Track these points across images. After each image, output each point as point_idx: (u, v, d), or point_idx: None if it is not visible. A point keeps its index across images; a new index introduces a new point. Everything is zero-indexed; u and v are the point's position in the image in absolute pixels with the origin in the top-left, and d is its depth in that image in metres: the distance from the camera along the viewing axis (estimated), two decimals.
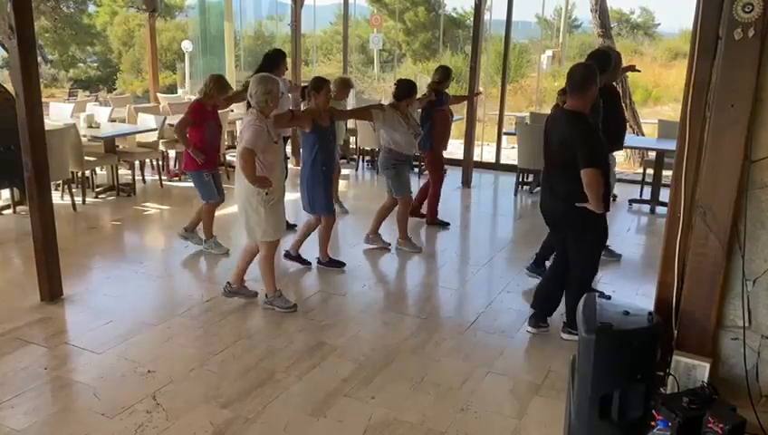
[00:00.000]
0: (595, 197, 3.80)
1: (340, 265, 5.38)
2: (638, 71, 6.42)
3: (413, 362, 3.90)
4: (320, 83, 4.95)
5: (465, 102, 8.32)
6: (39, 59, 21.76)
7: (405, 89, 5.60)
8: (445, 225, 6.72)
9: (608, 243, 5.62)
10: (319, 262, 5.39)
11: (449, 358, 3.96)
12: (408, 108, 5.68)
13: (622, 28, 30.48)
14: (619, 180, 8.54)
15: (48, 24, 24.18)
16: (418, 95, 6.00)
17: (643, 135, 11.32)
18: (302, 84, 5.98)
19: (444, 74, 6.56)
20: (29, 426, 3.18)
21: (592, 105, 4.27)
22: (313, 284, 5.07)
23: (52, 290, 4.57)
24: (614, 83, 5.37)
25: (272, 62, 6.08)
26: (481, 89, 9.10)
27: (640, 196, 7.86)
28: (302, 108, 5.46)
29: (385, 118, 5.47)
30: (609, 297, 2.89)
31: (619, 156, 10.92)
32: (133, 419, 3.24)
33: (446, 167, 7.00)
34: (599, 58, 4.85)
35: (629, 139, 9.24)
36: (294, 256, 5.41)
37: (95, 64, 27.86)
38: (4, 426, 3.17)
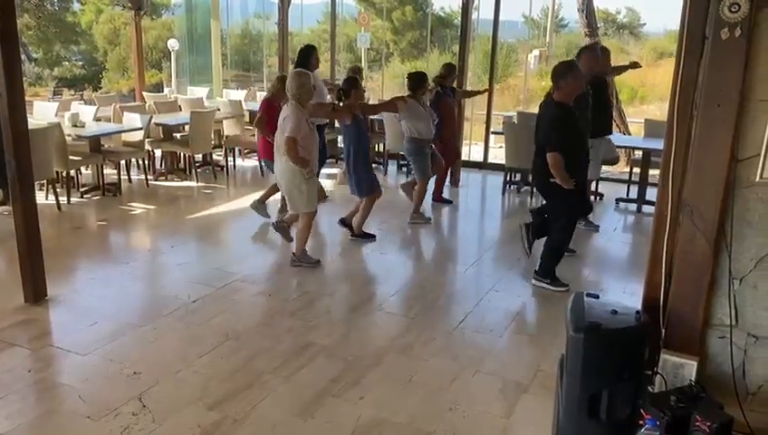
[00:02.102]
0: (559, 175, 4.63)
1: (372, 236, 6.09)
2: (640, 66, 6.90)
3: (401, 362, 3.89)
4: (352, 84, 5.69)
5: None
6: (23, 57, 21.39)
7: (418, 80, 6.39)
8: (447, 202, 7.58)
9: (590, 218, 6.49)
10: (352, 234, 6.06)
11: (438, 358, 3.95)
12: (423, 97, 6.42)
13: (608, 28, 30.62)
14: (606, 179, 8.60)
15: (32, 21, 23.91)
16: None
17: (629, 134, 11.39)
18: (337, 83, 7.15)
19: (447, 70, 7.23)
20: (12, 429, 3.13)
21: (581, 95, 4.96)
22: (302, 284, 5.04)
23: (36, 291, 4.51)
24: (604, 76, 5.95)
25: (302, 56, 6.94)
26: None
27: (627, 195, 7.90)
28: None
29: (408, 108, 6.20)
30: (597, 296, 2.89)
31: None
32: (119, 421, 3.21)
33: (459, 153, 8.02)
34: (581, 52, 5.79)
35: (616, 138, 9.31)
36: (359, 233, 6.05)
37: (80, 63, 27.58)
38: None
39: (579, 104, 4.93)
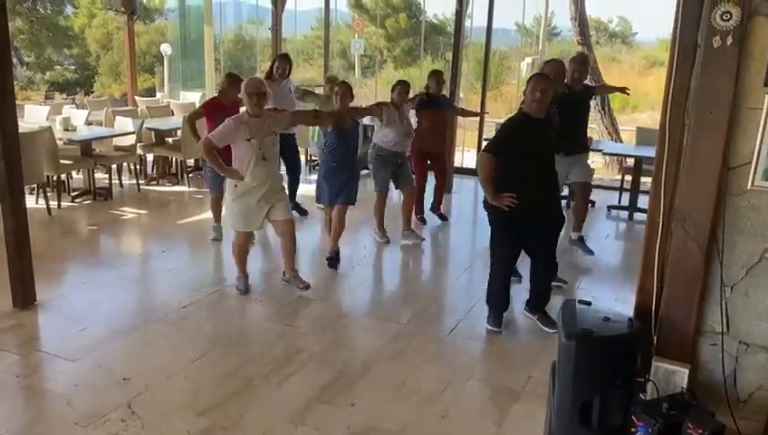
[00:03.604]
0: (481, 180, 4.13)
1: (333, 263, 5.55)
2: (627, 93, 6.39)
3: (393, 369, 3.87)
4: (343, 89, 5.36)
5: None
6: (15, 61, 21.24)
7: (393, 88, 6.06)
8: (443, 218, 7.14)
9: (586, 240, 5.99)
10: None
11: (430, 364, 3.94)
12: (403, 107, 6.03)
13: (600, 36, 30.81)
14: (598, 187, 8.61)
15: (24, 25, 23.83)
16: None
17: (621, 142, 11.44)
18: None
19: (434, 79, 6.65)
20: None
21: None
22: (292, 291, 5.00)
23: (24, 296, 4.47)
24: (566, 90, 5.31)
25: (270, 66, 6.74)
26: (487, 111, 9.21)
27: (619, 202, 7.92)
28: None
29: (389, 114, 5.85)
30: (589, 303, 2.89)
31: (597, 163, 11.08)
32: (107, 428, 3.18)
33: (428, 171, 6.97)
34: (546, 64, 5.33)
35: (608, 145, 9.35)
36: (331, 255, 5.56)
37: (72, 67, 27.47)
38: None
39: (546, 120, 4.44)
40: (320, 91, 7.93)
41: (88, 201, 7.52)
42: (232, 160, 4.60)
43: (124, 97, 10.94)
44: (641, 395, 2.87)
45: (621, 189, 8.10)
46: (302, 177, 7.30)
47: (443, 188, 7.20)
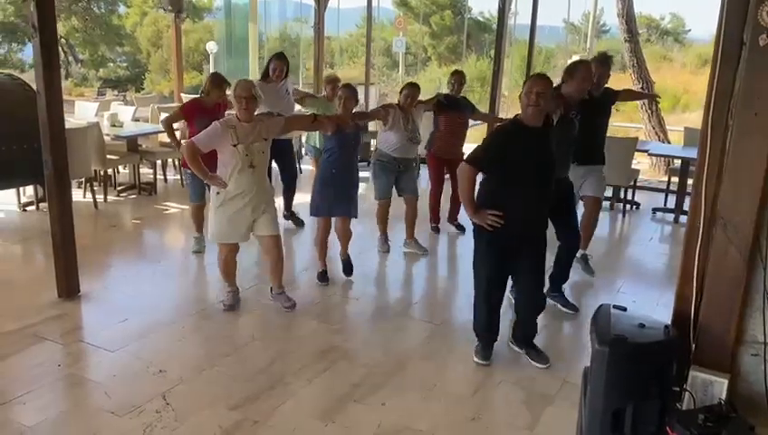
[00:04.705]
0: (462, 195, 3.65)
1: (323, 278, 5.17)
2: (658, 101, 6.00)
3: (425, 369, 3.85)
4: (347, 93, 4.91)
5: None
6: (70, 59, 21.91)
7: (402, 90, 5.74)
8: (460, 229, 6.56)
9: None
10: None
11: (462, 366, 3.91)
12: (413, 110, 5.66)
13: (652, 34, 30.07)
14: (643, 188, 8.43)
15: (79, 24, 24.59)
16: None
17: (669, 142, 11.14)
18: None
19: (454, 79, 6.24)
20: (38, 423, 3.19)
21: (561, 117, 4.18)
22: (327, 287, 5.03)
23: (69, 287, 4.60)
24: (592, 94, 4.87)
25: (266, 67, 6.22)
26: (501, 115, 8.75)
27: (664, 204, 7.73)
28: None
29: (394, 116, 5.52)
30: (624, 309, 2.82)
31: (643, 164, 10.81)
32: (142, 418, 3.24)
33: (445, 175, 6.49)
34: (566, 70, 4.61)
35: (654, 145, 9.11)
36: (321, 270, 5.18)
37: (124, 64, 28.27)
38: (14, 422, 3.20)
39: (560, 127, 4.15)
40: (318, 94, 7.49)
41: (133, 196, 7.71)
42: (218, 167, 4.28)
43: (172, 94, 11.16)
44: (677, 405, 2.79)
45: (667, 191, 7.91)
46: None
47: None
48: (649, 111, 11.46)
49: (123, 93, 21.95)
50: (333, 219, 5.12)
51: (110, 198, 7.42)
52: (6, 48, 25.36)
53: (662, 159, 10.52)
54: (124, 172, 8.28)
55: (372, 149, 9.44)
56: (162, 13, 21.85)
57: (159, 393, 3.46)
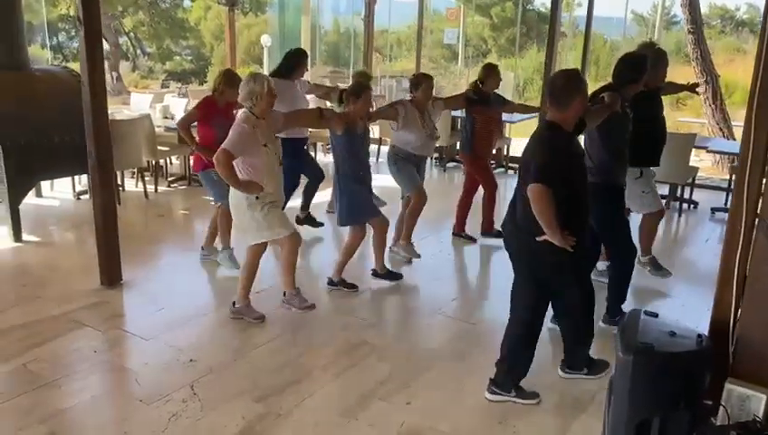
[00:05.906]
0: (545, 219, 3.03)
1: (398, 276, 5.04)
2: (698, 93, 5.60)
3: (454, 369, 3.77)
4: (359, 90, 4.56)
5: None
6: (137, 51, 22.42)
7: (412, 82, 5.31)
8: (498, 235, 5.33)
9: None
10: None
11: (493, 367, 3.79)
12: (428, 106, 5.31)
13: (726, 25, 28.74)
14: (702, 186, 8.05)
15: (145, 17, 25.31)
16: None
17: (734, 139, 10.60)
18: (341, 88, 5.44)
19: (485, 73, 5.73)
20: (72, 406, 3.30)
21: (618, 113, 3.94)
22: (362, 282, 4.95)
23: (111, 275, 4.73)
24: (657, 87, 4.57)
25: (289, 62, 5.79)
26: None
27: (725, 204, 7.35)
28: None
29: (406, 114, 5.13)
30: (656, 315, 2.67)
31: (706, 161, 10.34)
32: (169, 407, 3.29)
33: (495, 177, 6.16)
34: (629, 66, 4.14)
35: (716, 142, 8.69)
36: (337, 281, 4.86)
37: (189, 57, 28.96)
38: (48, 404, 3.31)
39: (608, 125, 3.93)
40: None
41: (183, 186, 7.88)
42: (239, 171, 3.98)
43: None
44: (711, 420, 2.63)
45: (729, 190, 7.51)
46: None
47: (494, 200, 6.04)
48: (713, 106, 10.92)
49: (186, 86, 22.49)
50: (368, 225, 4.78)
51: (160, 188, 7.60)
52: (72, 40, 26.35)
53: (726, 156, 10.02)
54: (176, 163, 8.47)
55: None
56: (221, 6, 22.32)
57: (188, 383, 3.51)
